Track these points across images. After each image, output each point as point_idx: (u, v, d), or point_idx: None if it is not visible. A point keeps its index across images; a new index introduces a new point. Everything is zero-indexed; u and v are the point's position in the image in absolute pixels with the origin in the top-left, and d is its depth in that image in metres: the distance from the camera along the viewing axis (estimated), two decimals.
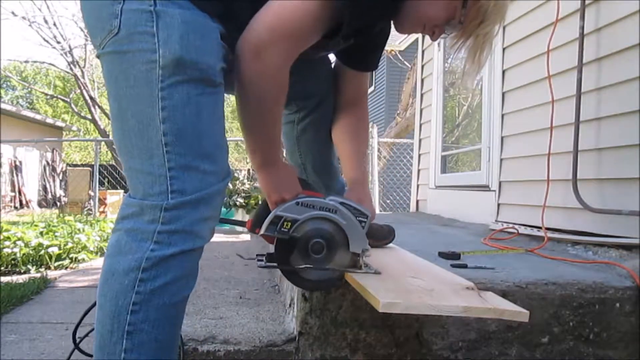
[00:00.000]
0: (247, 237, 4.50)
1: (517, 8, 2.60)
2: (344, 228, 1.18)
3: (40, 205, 12.85)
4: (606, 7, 1.98)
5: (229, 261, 2.75)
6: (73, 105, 16.71)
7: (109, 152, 14.75)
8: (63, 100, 18.68)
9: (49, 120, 15.92)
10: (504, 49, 2.81)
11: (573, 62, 2.08)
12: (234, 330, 1.43)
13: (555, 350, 1.38)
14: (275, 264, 1.20)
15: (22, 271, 3.57)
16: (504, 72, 2.82)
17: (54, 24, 14.58)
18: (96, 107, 14.70)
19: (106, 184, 10.41)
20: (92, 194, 8.64)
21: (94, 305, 1.01)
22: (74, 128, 18.55)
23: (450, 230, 2.84)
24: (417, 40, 4.71)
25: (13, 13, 14.97)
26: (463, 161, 3.88)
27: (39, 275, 3.37)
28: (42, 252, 3.78)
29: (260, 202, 1.29)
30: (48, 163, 13.59)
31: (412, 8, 1.12)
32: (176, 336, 1.02)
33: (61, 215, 8.13)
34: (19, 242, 3.80)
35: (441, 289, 1.15)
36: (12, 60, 20.34)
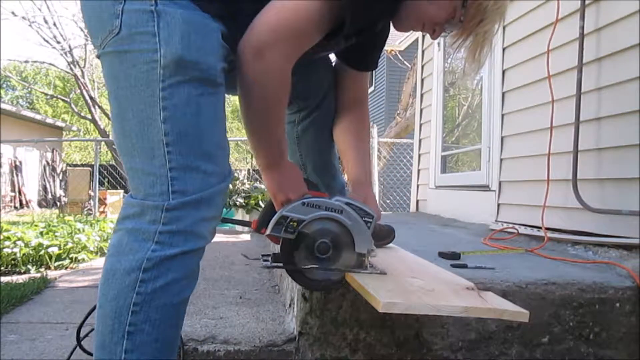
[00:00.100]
0: (247, 237, 4.50)
1: (517, 8, 2.60)
2: (350, 228, 1.18)
3: (40, 205, 12.85)
4: (606, 7, 1.98)
5: (229, 261, 2.75)
6: (73, 105, 16.71)
7: (109, 152, 14.76)
8: (63, 100, 18.69)
9: (49, 120, 15.92)
10: (504, 49, 2.81)
11: (573, 62, 2.08)
12: (234, 330, 1.43)
13: (555, 350, 1.38)
14: (280, 264, 1.20)
15: (22, 271, 3.57)
16: (504, 72, 2.82)
17: (54, 24, 14.59)
18: (96, 107, 14.70)
19: (106, 184, 10.41)
20: (92, 194, 8.64)
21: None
22: (74, 128, 18.55)
23: (450, 230, 2.84)
24: (417, 40, 4.71)
25: (13, 13, 14.97)
26: (463, 161, 3.88)
27: (39, 275, 3.37)
28: (42, 252, 3.78)
29: (265, 203, 1.29)
30: (48, 163, 13.60)
31: (412, 7, 1.12)
32: (177, 336, 1.02)
33: (61, 215, 8.14)
34: (19, 242, 3.80)
35: (441, 289, 1.15)
36: (12, 60, 20.36)
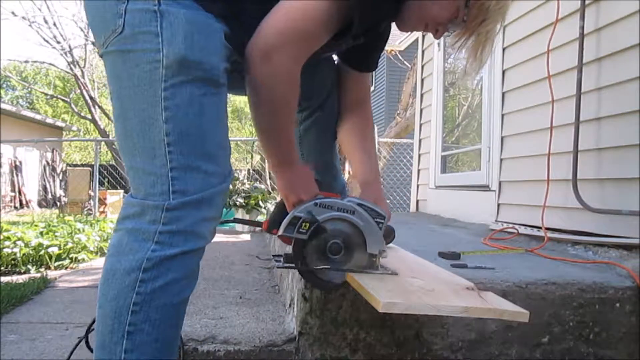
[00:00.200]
0: (247, 237, 4.50)
1: (517, 8, 2.60)
2: (362, 229, 1.18)
3: (40, 205, 12.85)
4: (606, 7, 1.98)
5: (229, 261, 2.75)
6: (73, 105, 16.72)
7: (109, 152, 14.76)
8: (63, 100, 18.69)
9: (49, 120, 15.92)
10: (504, 49, 2.81)
11: (573, 62, 2.08)
12: (234, 330, 1.43)
13: (555, 350, 1.38)
14: (293, 265, 1.20)
15: (22, 271, 3.57)
16: (504, 72, 2.82)
17: (54, 24, 14.60)
18: (96, 107, 14.70)
19: (106, 184, 10.41)
20: (92, 194, 8.64)
21: None
22: (74, 128, 18.55)
23: (450, 230, 2.84)
24: (417, 40, 4.71)
25: (13, 13, 14.97)
26: (463, 161, 3.88)
27: (39, 275, 3.37)
28: (42, 252, 3.78)
29: (276, 203, 1.29)
30: (48, 163, 13.60)
31: (415, 7, 1.12)
32: (177, 336, 1.02)
33: (61, 215, 8.14)
34: (19, 242, 3.80)
35: (441, 289, 1.15)
36: (12, 60, 20.36)
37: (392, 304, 0.98)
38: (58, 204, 12.12)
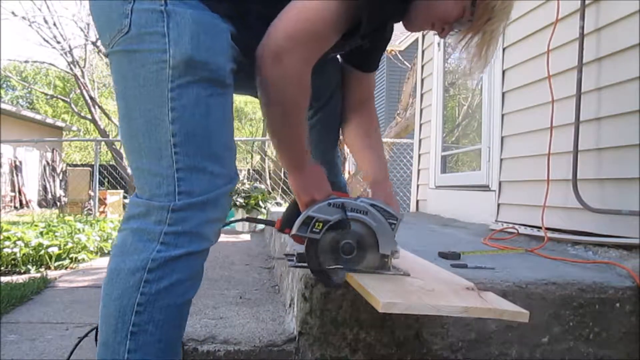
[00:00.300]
0: (247, 237, 4.50)
1: (517, 8, 2.57)
2: (375, 230, 1.19)
3: (40, 205, 12.85)
4: (606, 7, 1.98)
5: (229, 261, 2.76)
6: (73, 105, 16.70)
7: (109, 152, 14.74)
8: (63, 100, 18.67)
9: (49, 120, 15.92)
10: (504, 49, 2.81)
11: (573, 62, 2.08)
12: (234, 330, 1.43)
13: (555, 350, 1.38)
14: (305, 264, 1.21)
15: (22, 271, 3.57)
16: (504, 72, 2.82)
17: (54, 24, 14.53)
18: (96, 107, 14.69)
19: (106, 184, 10.41)
20: (92, 194, 8.64)
21: None
22: (74, 128, 18.55)
23: (450, 230, 2.84)
24: (417, 40, 4.71)
25: (13, 13, 14.91)
26: (463, 161, 3.88)
27: (39, 275, 3.37)
28: (42, 252, 3.78)
29: (289, 203, 1.30)
30: (48, 163, 13.61)
31: (422, 7, 1.12)
32: (180, 337, 1.02)
33: (61, 215, 8.14)
34: (19, 242, 3.80)
35: (441, 289, 1.15)
36: (12, 60, 20.33)
37: (392, 304, 0.98)
38: (58, 204, 12.12)
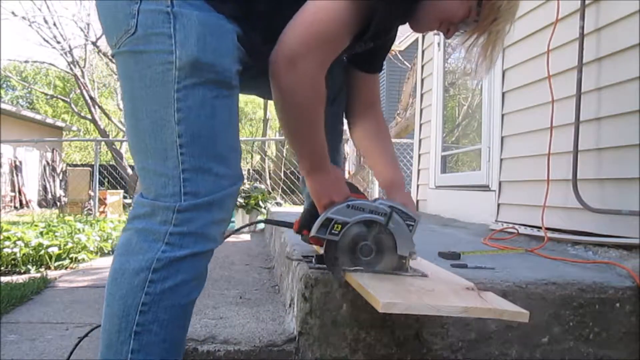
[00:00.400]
0: (247, 237, 4.50)
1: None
2: (393, 231, 1.19)
3: (40, 205, 12.85)
4: (606, 7, 1.98)
5: (229, 261, 2.75)
6: (73, 105, 16.70)
7: (109, 152, 14.74)
8: (63, 100, 18.68)
9: (49, 120, 15.91)
10: (504, 49, 2.80)
11: (573, 62, 2.08)
12: (234, 330, 1.43)
13: (555, 350, 1.38)
14: (324, 266, 1.22)
15: (22, 271, 3.57)
16: (504, 72, 2.82)
17: (54, 24, 14.50)
18: (96, 107, 14.68)
19: (106, 184, 10.42)
20: (92, 194, 8.64)
21: None
22: (74, 128, 18.55)
23: (450, 230, 2.84)
24: (417, 40, 4.71)
25: (13, 13, 14.90)
26: (463, 161, 3.88)
27: (39, 275, 3.37)
28: (42, 252, 3.78)
29: (306, 205, 1.30)
30: (48, 163, 13.61)
31: (429, 7, 1.12)
32: (183, 337, 1.02)
33: (61, 215, 8.14)
34: (19, 242, 3.80)
35: (441, 289, 1.15)
36: (12, 60, 20.33)
37: (391, 304, 0.99)
38: (58, 204, 12.12)
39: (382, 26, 1.09)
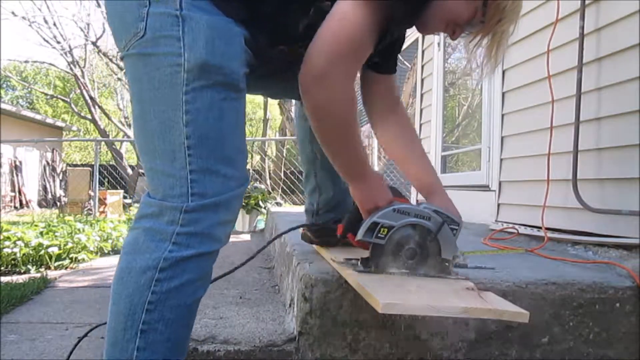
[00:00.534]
0: (247, 237, 4.50)
1: None
2: (438, 236, 1.22)
3: (40, 205, 12.86)
4: (606, 7, 1.98)
5: (229, 261, 2.75)
6: (73, 105, 16.71)
7: (109, 152, 14.76)
8: (63, 100, 18.68)
9: (49, 120, 15.91)
10: None
11: (573, 62, 2.08)
12: (234, 330, 1.43)
13: (555, 350, 1.38)
14: (370, 269, 1.23)
15: (22, 271, 3.58)
16: (504, 72, 2.82)
17: (54, 24, 14.54)
18: (96, 107, 14.70)
19: (106, 184, 10.43)
20: (92, 194, 8.64)
21: None
22: (74, 128, 18.55)
23: None
24: (417, 40, 4.70)
25: (13, 13, 14.93)
26: (463, 161, 3.89)
27: (39, 275, 3.37)
28: (42, 252, 3.78)
29: (350, 210, 1.33)
30: (48, 163, 13.61)
31: (436, 8, 1.12)
32: (188, 337, 1.03)
33: (61, 215, 8.14)
34: (19, 242, 3.80)
35: (441, 289, 1.15)
36: (12, 60, 20.35)
37: (391, 305, 0.99)
38: (58, 204, 12.12)
39: (402, 25, 1.11)
